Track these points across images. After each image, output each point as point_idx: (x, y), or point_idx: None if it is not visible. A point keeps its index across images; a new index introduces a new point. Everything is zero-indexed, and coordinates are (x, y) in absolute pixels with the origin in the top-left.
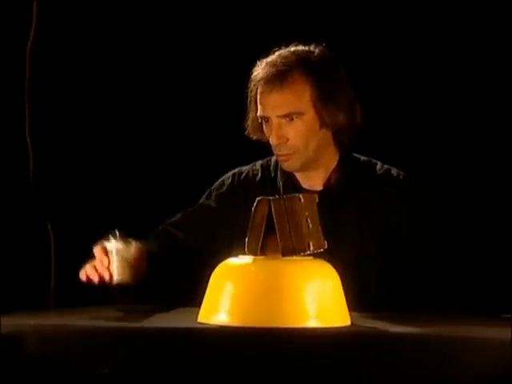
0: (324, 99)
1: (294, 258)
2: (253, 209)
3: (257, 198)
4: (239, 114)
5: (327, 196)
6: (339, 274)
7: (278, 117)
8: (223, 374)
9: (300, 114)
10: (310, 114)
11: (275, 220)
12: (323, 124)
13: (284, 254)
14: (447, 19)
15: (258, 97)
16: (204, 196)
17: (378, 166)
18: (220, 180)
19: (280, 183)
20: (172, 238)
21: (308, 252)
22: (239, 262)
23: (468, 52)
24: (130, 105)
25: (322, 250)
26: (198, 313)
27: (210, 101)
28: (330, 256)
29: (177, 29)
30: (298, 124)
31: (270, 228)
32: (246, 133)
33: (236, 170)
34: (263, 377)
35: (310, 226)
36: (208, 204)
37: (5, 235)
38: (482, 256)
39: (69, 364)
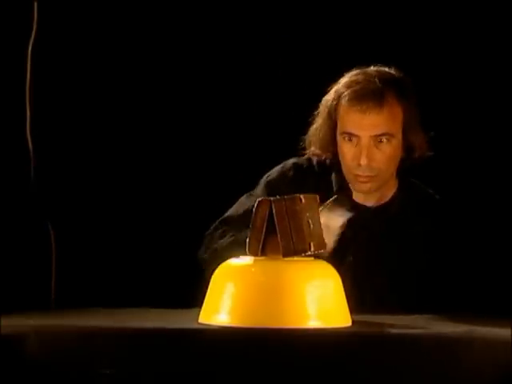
0: (411, 124)
1: (295, 258)
2: (254, 209)
3: (257, 199)
4: (240, 118)
5: (378, 214)
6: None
7: (371, 137)
8: (224, 375)
9: (392, 136)
10: (398, 138)
11: (276, 221)
12: (405, 149)
13: (285, 255)
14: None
15: (348, 113)
16: (261, 186)
17: (435, 196)
18: (279, 170)
19: (334, 190)
20: None
21: (309, 253)
22: (240, 262)
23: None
24: (131, 105)
25: (322, 250)
26: (198, 313)
27: (210, 101)
28: (361, 270)
29: (179, 31)
30: (387, 147)
31: (271, 229)
32: (306, 146)
33: (292, 161)
34: (264, 377)
35: (311, 226)
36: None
37: (5, 235)
38: (482, 256)
39: (69, 364)
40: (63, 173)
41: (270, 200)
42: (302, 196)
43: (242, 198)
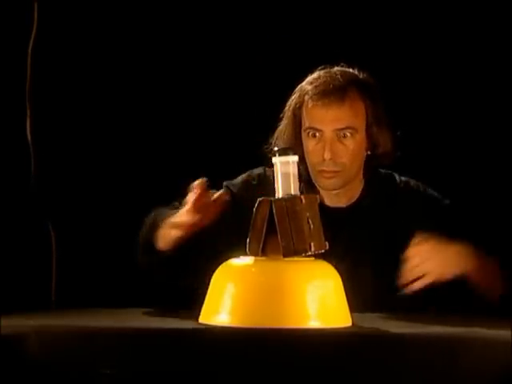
0: (375, 121)
1: (295, 258)
2: (254, 209)
3: (258, 199)
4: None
5: (352, 214)
6: (356, 288)
7: (334, 131)
8: (224, 375)
9: (355, 131)
10: (362, 134)
11: (276, 221)
12: (369, 146)
13: (285, 255)
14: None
15: (311, 109)
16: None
17: (397, 180)
18: (243, 178)
19: None
20: None
21: (309, 253)
22: (240, 262)
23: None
24: (131, 105)
25: (322, 250)
26: (199, 313)
27: (211, 101)
28: (348, 272)
29: (179, 31)
30: (350, 142)
31: (271, 229)
32: (271, 147)
33: (261, 170)
34: (264, 378)
35: (312, 226)
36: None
37: (5, 235)
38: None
39: (69, 364)
40: (64, 173)
41: (271, 200)
42: (302, 196)
43: None
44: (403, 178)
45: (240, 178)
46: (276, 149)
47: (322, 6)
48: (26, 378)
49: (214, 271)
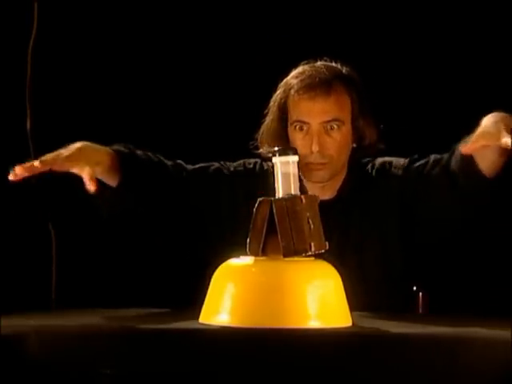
0: (360, 114)
1: (296, 258)
2: (254, 209)
3: (258, 199)
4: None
5: (336, 205)
6: (345, 278)
7: (321, 123)
8: (224, 375)
9: (342, 123)
10: (348, 127)
11: (277, 221)
12: (355, 138)
13: (285, 255)
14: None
15: (298, 102)
16: (220, 168)
17: (369, 165)
18: (241, 162)
19: None
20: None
21: (309, 253)
22: (240, 262)
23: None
24: (131, 104)
25: (323, 250)
26: (198, 313)
27: (211, 101)
28: (336, 262)
29: (179, 30)
30: (337, 134)
31: (271, 229)
32: (256, 143)
33: (257, 160)
34: (264, 378)
35: (312, 226)
36: (224, 177)
37: (5, 235)
38: (482, 257)
39: (69, 364)
40: (64, 173)
41: (271, 200)
42: (302, 196)
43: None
44: (373, 161)
45: (237, 162)
46: (276, 149)
47: (303, 2)
48: (26, 378)
49: (213, 271)
